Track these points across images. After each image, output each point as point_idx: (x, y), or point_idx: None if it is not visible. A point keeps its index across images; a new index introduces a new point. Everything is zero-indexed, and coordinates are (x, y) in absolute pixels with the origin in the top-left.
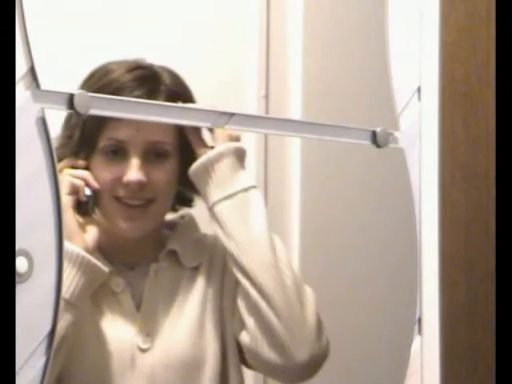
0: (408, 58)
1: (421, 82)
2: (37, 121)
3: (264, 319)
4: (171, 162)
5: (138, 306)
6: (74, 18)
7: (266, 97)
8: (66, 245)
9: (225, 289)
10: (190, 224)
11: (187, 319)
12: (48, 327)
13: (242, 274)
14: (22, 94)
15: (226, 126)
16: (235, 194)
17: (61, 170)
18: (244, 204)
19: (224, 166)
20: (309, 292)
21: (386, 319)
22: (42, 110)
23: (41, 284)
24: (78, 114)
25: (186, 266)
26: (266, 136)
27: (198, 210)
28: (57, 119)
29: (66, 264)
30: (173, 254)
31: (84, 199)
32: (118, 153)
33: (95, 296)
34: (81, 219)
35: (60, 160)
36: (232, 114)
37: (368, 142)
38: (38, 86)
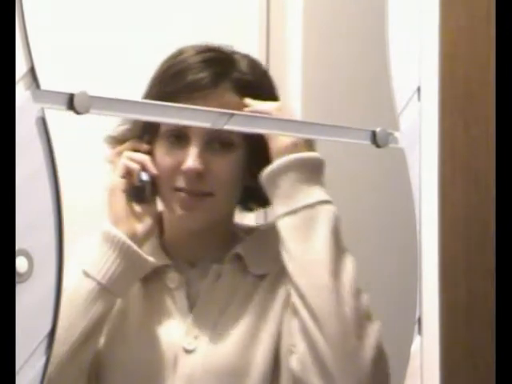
0: (408, 58)
1: (421, 81)
2: (37, 121)
3: (314, 346)
4: (236, 153)
5: (192, 306)
6: (74, 18)
7: None
8: (109, 229)
9: (287, 309)
10: (271, 232)
11: (240, 328)
12: (48, 327)
13: (297, 295)
14: (22, 93)
15: (225, 126)
16: (298, 209)
17: (121, 153)
18: (308, 221)
19: (290, 179)
20: (374, 325)
21: (386, 319)
22: (42, 109)
23: (41, 284)
24: (77, 114)
25: (251, 273)
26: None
27: None
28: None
29: (106, 249)
30: (239, 258)
31: (138, 184)
32: (181, 138)
33: (148, 289)
34: (136, 205)
35: (124, 141)
36: (232, 114)
37: (368, 142)
38: (38, 85)
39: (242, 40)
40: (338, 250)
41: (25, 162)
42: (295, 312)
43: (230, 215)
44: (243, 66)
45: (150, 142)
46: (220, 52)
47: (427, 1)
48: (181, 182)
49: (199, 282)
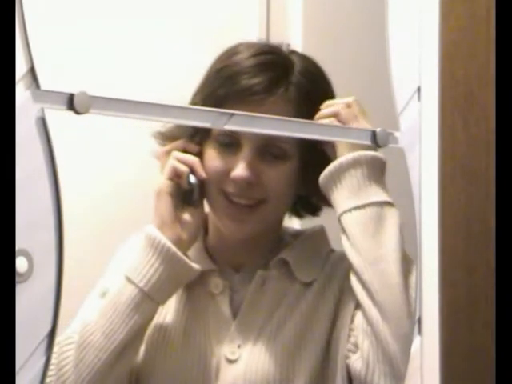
0: (408, 58)
1: (421, 81)
2: (37, 121)
3: (382, 344)
4: (290, 164)
5: (235, 313)
6: (74, 18)
7: None
8: (154, 233)
9: (340, 314)
10: (318, 236)
11: (286, 337)
12: (48, 327)
13: (364, 292)
14: (22, 93)
15: (225, 126)
16: (367, 205)
17: (170, 151)
18: (376, 218)
19: (358, 174)
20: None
21: None
22: (42, 109)
23: (41, 284)
24: (77, 114)
25: (298, 280)
26: None
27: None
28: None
29: (150, 254)
30: (285, 264)
31: (186, 187)
32: (233, 144)
33: (191, 294)
34: (183, 208)
35: (173, 140)
36: (232, 114)
37: (368, 142)
38: (37, 85)
39: (242, 40)
40: (405, 251)
41: (25, 161)
42: (362, 309)
43: (280, 223)
44: (300, 70)
45: (200, 143)
46: (276, 54)
47: (427, 0)
48: (230, 187)
49: (243, 287)
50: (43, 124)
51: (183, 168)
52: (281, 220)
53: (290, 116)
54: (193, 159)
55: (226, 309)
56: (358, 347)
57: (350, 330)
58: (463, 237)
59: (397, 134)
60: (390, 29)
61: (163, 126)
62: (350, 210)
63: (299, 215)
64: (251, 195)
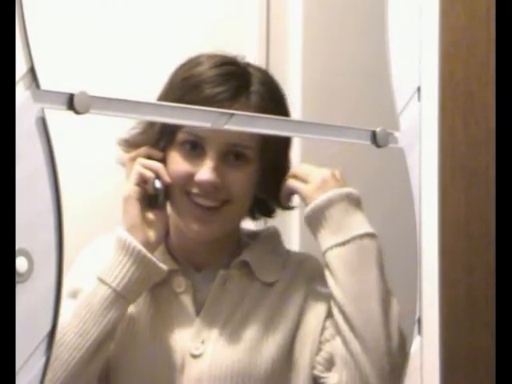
0: (408, 58)
1: (421, 81)
2: (37, 121)
3: (361, 376)
4: (250, 167)
5: (199, 311)
6: (74, 18)
7: None
8: (125, 236)
9: (305, 319)
10: (273, 237)
11: (248, 333)
12: (48, 327)
13: (346, 326)
14: (22, 93)
15: (225, 126)
16: (348, 241)
17: (135, 158)
18: (357, 252)
19: (336, 212)
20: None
21: None
22: (42, 109)
23: (41, 284)
24: (77, 113)
25: (259, 280)
26: None
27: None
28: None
29: (121, 256)
30: (246, 265)
31: (152, 192)
32: (196, 149)
33: (155, 293)
34: (149, 212)
35: (137, 147)
36: (232, 114)
37: (368, 142)
38: (37, 85)
39: (242, 40)
40: (386, 284)
41: (25, 161)
42: (344, 343)
43: (239, 224)
44: (258, 80)
45: (164, 150)
46: (236, 65)
47: (427, 0)
48: (195, 189)
49: (206, 286)
50: (43, 124)
51: (149, 174)
52: (240, 222)
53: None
54: (157, 165)
55: (189, 306)
56: (335, 372)
57: (321, 342)
58: (463, 237)
59: (397, 133)
60: (389, 29)
61: (127, 133)
62: (332, 247)
63: (254, 217)
64: (215, 197)
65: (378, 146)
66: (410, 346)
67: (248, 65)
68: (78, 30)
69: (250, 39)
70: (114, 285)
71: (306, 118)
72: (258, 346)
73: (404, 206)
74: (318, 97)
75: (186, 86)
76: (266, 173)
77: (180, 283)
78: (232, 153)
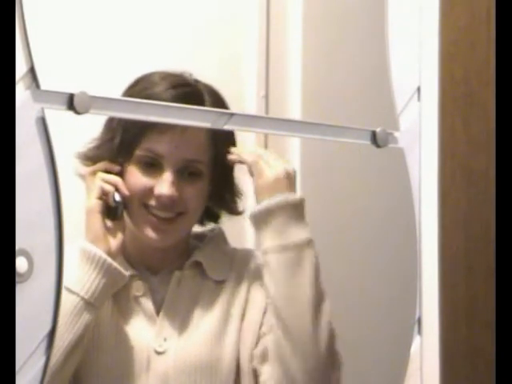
0: (408, 58)
1: (420, 81)
2: (37, 121)
3: (289, 374)
4: (203, 180)
5: (158, 311)
6: (74, 18)
7: (266, 97)
8: (89, 247)
9: (248, 312)
10: (219, 237)
11: (205, 328)
12: (48, 327)
13: (279, 326)
14: (22, 93)
15: (225, 126)
16: (288, 245)
17: (94, 173)
18: (295, 257)
19: (280, 218)
20: (339, 358)
21: (386, 319)
22: (42, 109)
23: (41, 284)
24: (77, 113)
25: (210, 278)
26: (265, 136)
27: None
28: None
29: (88, 266)
30: (198, 265)
31: (113, 205)
32: (154, 165)
33: (116, 298)
34: (109, 223)
35: (95, 161)
36: (232, 114)
37: (368, 142)
38: (37, 85)
39: (242, 40)
40: (320, 288)
41: (25, 161)
42: (276, 341)
43: (191, 229)
44: (207, 98)
45: (122, 164)
46: (189, 86)
47: (427, 0)
48: (152, 202)
49: (162, 288)
50: (43, 124)
51: (109, 188)
52: (191, 228)
53: (206, 140)
54: (117, 179)
55: (149, 308)
56: (268, 366)
57: (259, 336)
58: (463, 237)
59: (397, 134)
60: (389, 29)
61: (84, 147)
62: (272, 249)
63: (202, 223)
64: (172, 209)
65: (378, 146)
66: (410, 346)
67: (197, 82)
68: (78, 30)
69: (250, 40)
70: (82, 293)
71: (305, 117)
72: (217, 339)
73: (404, 206)
74: (318, 97)
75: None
76: (215, 184)
77: (138, 287)
78: (187, 169)
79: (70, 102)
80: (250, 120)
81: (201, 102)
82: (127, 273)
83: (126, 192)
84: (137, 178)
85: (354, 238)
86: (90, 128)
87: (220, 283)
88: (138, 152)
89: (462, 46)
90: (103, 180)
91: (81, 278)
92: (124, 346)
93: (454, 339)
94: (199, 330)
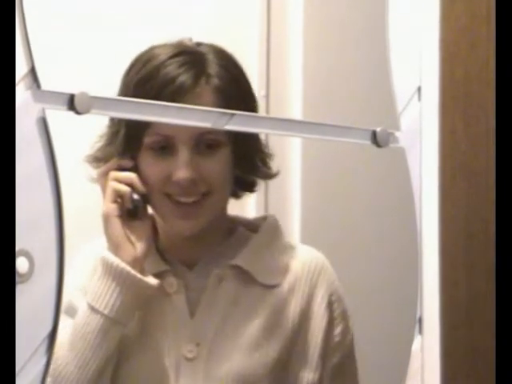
0: (408, 58)
1: (421, 81)
2: (37, 121)
3: None
4: (224, 150)
5: (192, 312)
6: (74, 18)
7: (266, 97)
8: (110, 258)
9: (302, 326)
10: (274, 231)
11: (245, 336)
12: (48, 328)
13: None
14: (23, 94)
15: (226, 126)
16: None
17: (107, 173)
18: None
19: None
20: None
21: (387, 319)
22: (43, 110)
23: (41, 284)
24: (78, 114)
25: (258, 282)
26: (266, 136)
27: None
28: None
29: (109, 279)
30: (242, 266)
31: (130, 206)
32: (167, 148)
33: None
34: (132, 225)
35: (106, 160)
36: (232, 114)
37: (368, 142)
38: (38, 86)
39: (243, 40)
40: None
41: (25, 162)
42: None
43: (224, 211)
44: (215, 62)
45: (133, 157)
46: (191, 53)
47: (427, 1)
48: (173, 189)
49: (199, 285)
50: (44, 124)
51: (125, 188)
52: (225, 208)
53: (218, 103)
54: (131, 176)
55: (183, 307)
56: None
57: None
58: (464, 236)
59: (397, 133)
60: (390, 29)
61: (91, 148)
62: None
63: (237, 196)
64: (195, 191)
65: (379, 146)
66: (411, 346)
67: (199, 45)
68: (78, 31)
69: (251, 40)
70: (106, 312)
71: (306, 117)
72: (255, 350)
73: (404, 206)
74: (319, 97)
75: (146, 82)
76: (240, 150)
77: (171, 283)
78: (203, 142)
79: (71, 103)
80: (250, 120)
81: (204, 65)
82: (156, 281)
83: (142, 188)
84: (152, 167)
85: (354, 238)
86: (90, 128)
87: (269, 288)
88: (147, 139)
89: (463, 46)
90: (116, 180)
91: (103, 294)
92: (151, 349)
93: (454, 339)
94: (237, 337)
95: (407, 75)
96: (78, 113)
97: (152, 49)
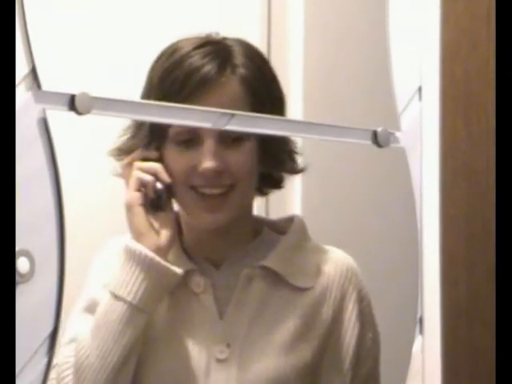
0: (409, 58)
1: (422, 81)
2: (38, 121)
3: None
4: (249, 144)
5: (221, 312)
6: (75, 19)
7: None
8: (132, 245)
9: (335, 330)
10: (301, 232)
11: (276, 338)
12: (50, 328)
13: None
14: (24, 94)
15: (226, 127)
16: None
17: (131, 164)
18: None
19: None
20: None
21: (387, 319)
22: (44, 110)
23: (42, 284)
24: (79, 114)
25: (289, 283)
26: None
27: None
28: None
29: (132, 266)
30: (271, 266)
31: (153, 196)
32: (192, 140)
33: (174, 296)
34: (155, 216)
35: (131, 151)
36: (233, 115)
37: (369, 142)
38: (39, 86)
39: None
40: None
41: (26, 162)
42: None
43: (250, 208)
44: (241, 53)
45: (158, 149)
46: (216, 44)
47: (428, 1)
48: (198, 181)
49: (226, 285)
50: (45, 124)
51: (148, 177)
52: (250, 205)
53: (244, 93)
54: (155, 166)
55: (211, 307)
56: None
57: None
58: (464, 236)
59: (398, 133)
60: (391, 29)
61: (117, 141)
62: None
63: (263, 193)
64: (220, 183)
65: (380, 146)
66: (412, 346)
67: (225, 39)
68: (79, 31)
69: (251, 40)
70: (129, 299)
71: (307, 117)
72: (287, 353)
73: (405, 206)
74: (320, 97)
75: (171, 74)
76: (265, 143)
77: (198, 283)
78: (228, 134)
79: (72, 103)
80: (251, 120)
81: (230, 56)
82: (180, 270)
83: (166, 178)
84: (177, 158)
85: (354, 238)
86: (91, 129)
87: (302, 291)
88: (172, 130)
89: (463, 46)
90: (140, 169)
91: (126, 281)
92: (180, 350)
93: (455, 339)
94: (268, 339)
95: (408, 75)
96: (78, 113)
97: (177, 42)
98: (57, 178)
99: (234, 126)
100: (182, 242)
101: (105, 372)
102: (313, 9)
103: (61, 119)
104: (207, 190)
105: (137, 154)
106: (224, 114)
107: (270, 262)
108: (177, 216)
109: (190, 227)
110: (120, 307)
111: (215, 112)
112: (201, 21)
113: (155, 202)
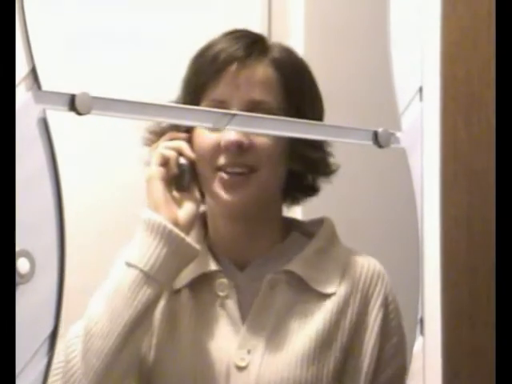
0: (410, 59)
1: (422, 82)
2: (38, 121)
3: None
4: None
5: (244, 317)
6: (75, 19)
7: None
8: (149, 214)
9: (357, 337)
10: (330, 236)
11: (298, 345)
12: (50, 328)
13: None
14: (24, 94)
15: (227, 127)
16: None
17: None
18: None
19: None
20: None
21: None
22: (44, 110)
23: (42, 284)
24: (79, 114)
25: (312, 289)
26: None
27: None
28: (58, 120)
29: (148, 235)
30: (295, 271)
31: (176, 171)
32: None
33: (198, 298)
34: (178, 193)
35: (162, 134)
36: (234, 115)
37: (370, 143)
38: (39, 86)
39: None
40: None
41: (26, 162)
42: None
43: (277, 203)
44: (277, 50)
45: (189, 130)
46: (253, 36)
47: (429, 1)
48: (222, 160)
49: (250, 288)
50: (45, 125)
51: (171, 153)
52: (278, 201)
53: (274, 76)
54: (180, 143)
55: (234, 312)
56: None
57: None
58: (465, 237)
59: (399, 134)
60: (391, 30)
61: (149, 127)
62: None
63: (296, 199)
64: (243, 162)
65: (380, 147)
66: (413, 347)
67: (263, 37)
68: (79, 31)
69: None
70: (141, 266)
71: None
72: (309, 361)
73: (406, 206)
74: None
75: (203, 59)
76: (296, 143)
77: (223, 286)
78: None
79: (72, 103)
80: (252, 120)
81: (261, 42)
82: (198, 246)
83: (190, 154)
84: (204, 136)
85: (355, 238)
86: (91, 129)
87: (325, 296)
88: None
89: (464, 47)
90: (165, 147)
91: (140, 250)
92: (202, 354)
93: (455, 339)
94: (290, 346)
95: (408, 76)
96: (78, 113)
97: (219, 36)
98: (57, 178)
99: (234, 126)
100: (208, 243)
101: (113, 336)
102: (313, 9)
103: (61, 119)
104: (229, 169)
105: (167, 136)
106: (225, 114)
107: (295, 266)
108: (203, 215)
109: (215, 227)
110: (132, 274)
111: (216, 112)
112: (201, 20)
113: (178, 179)
